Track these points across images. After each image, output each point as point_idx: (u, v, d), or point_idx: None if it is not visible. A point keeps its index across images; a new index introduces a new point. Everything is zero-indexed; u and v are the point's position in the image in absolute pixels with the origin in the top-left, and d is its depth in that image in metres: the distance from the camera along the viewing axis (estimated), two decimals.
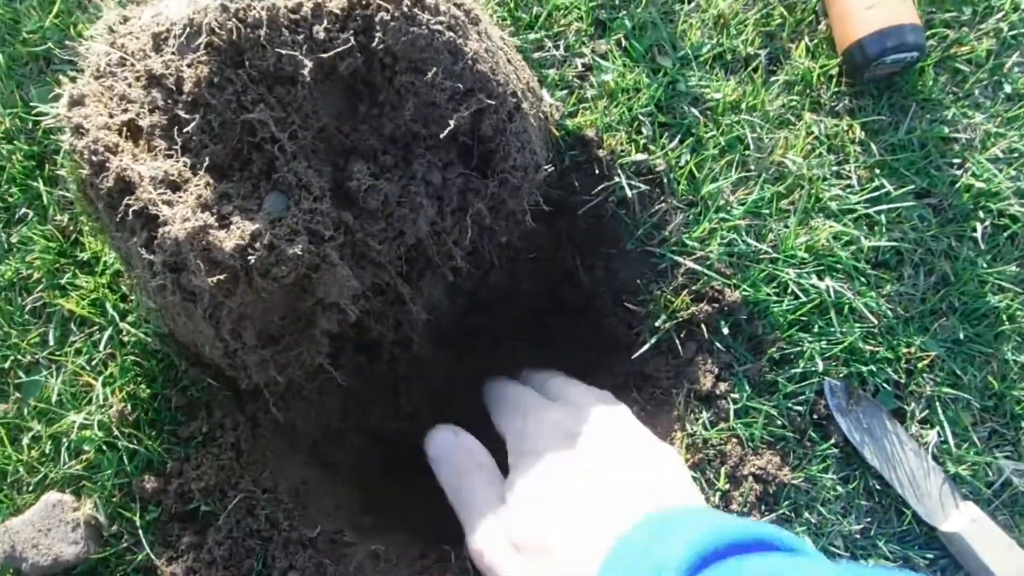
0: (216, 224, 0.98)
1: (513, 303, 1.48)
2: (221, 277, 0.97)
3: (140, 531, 1.19)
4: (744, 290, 1.31)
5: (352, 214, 1.10)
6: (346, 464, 1.40)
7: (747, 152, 1.36)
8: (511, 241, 1.37)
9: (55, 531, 1.19)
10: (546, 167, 1.23)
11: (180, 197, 1.00)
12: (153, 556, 1.18)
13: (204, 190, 1.01)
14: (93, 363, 1.22)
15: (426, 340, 1.40)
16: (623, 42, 1.40)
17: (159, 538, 1.20)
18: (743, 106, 1.40)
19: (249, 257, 0.97)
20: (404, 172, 1.14)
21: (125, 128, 1.03)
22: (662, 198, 1.34)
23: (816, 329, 1.33)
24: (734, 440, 1.29)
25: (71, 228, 1.26)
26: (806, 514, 1.29)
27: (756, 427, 1.28)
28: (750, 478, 1.28)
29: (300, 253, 0.99)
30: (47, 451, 1.22)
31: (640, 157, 1.33)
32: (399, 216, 1.12)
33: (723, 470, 1.26)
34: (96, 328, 1.24)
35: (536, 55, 1.38)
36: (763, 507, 1.28)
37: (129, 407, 1.21)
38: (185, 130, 1.00)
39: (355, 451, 1.43)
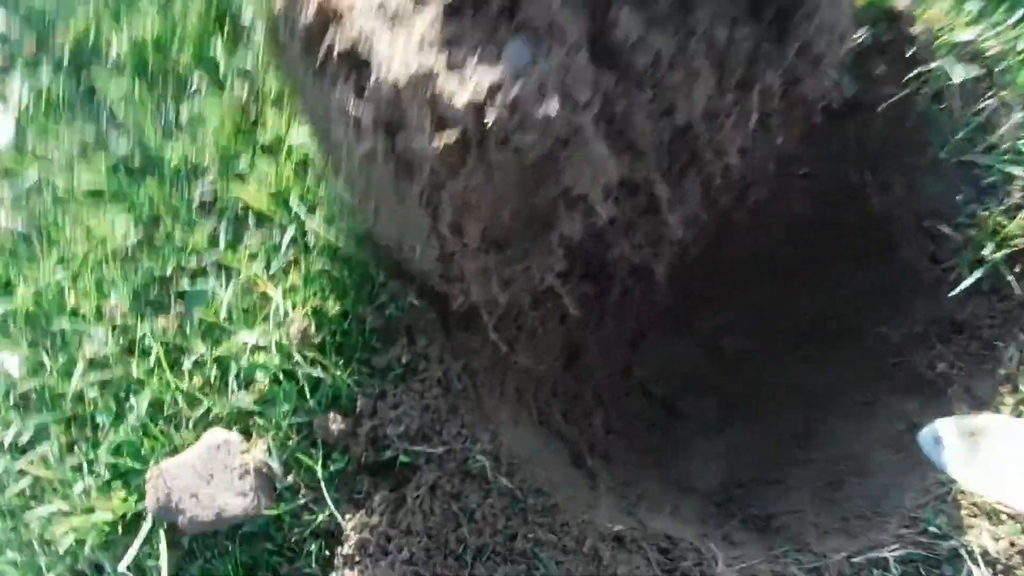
0: (446, 71, 0.72)
1: (775, 229, 1.18)
2: (450, 141, 0.73)
3: (322, 484, 0.92)
4: None
5: (613, 76, 0.83)
6: (563, 419, 1.12)
7: None
8: (787, 148, 1.08)
9: (219, 478, 0.94)
10: (855, 36, 0.93)
11: (400, 35, 0.75)
12: (338, 515, 0.92)
13: (430, 29, 0.76)
14: (271, 270, 0.97)
15: (666, 272, 1.11)
16: None
17: (344, 494, 0.94)
18: None
19: (486, 117, 0.72)
20: (681, 24, 0.86)
21: None
22: (991, 92, 1.03)
23: None
24: None
25: (250, 104, 1.02)
26: None
27: None
28: None
29: (552, 116, 0.73)
30: (212, 379, 0.97)
31: (967, 36, 1.02)
32: (670, 84, 0.86)
33: None
34: (277, 227, 0.99)
35: None
36: None
37: (313, 327, 0.95)
38: None
39: (576, 402, 1.15)
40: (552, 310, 1.05)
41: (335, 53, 0.78)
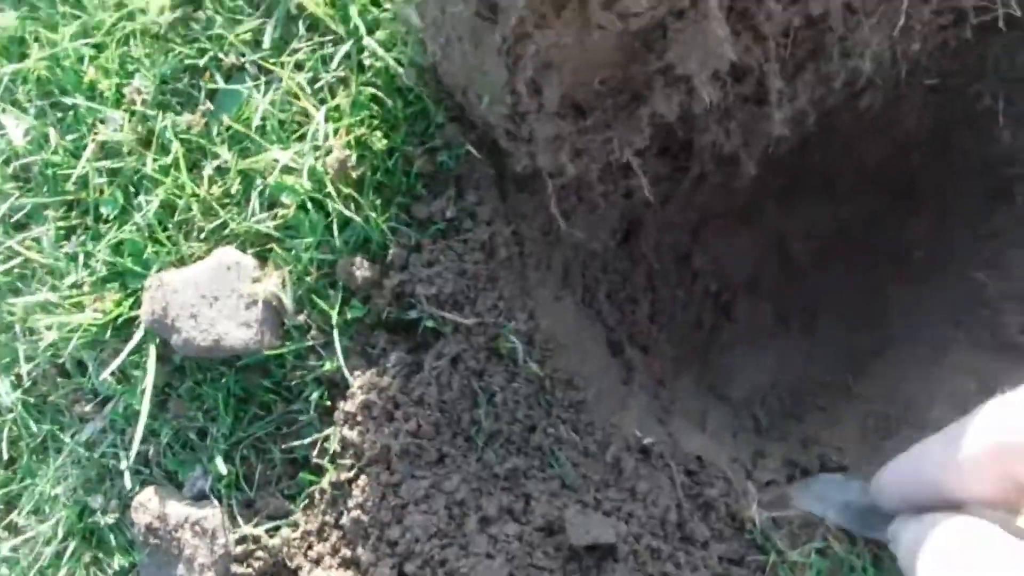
0: None
1: (879, 142, 1.05)
2: None
3: (335, 330, 0.84)
4: None
5: None
6: (607, 300, 1.02)
7: None
8: (921, 56, 0.94)
9: (224, 303, 0.85)
10: None
11: None
12: (345, 368, 0.83)
13: None
14: (317, 85, 0.85)
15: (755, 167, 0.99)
16: None
17: (357, 345, 0.85)
18: None
19: None
20: None
21: None
22: None
23: None
24: None
25: None
26: None
27: None
28: None
29: None
30: (233, 192, 0.87)
31: None
32: None
33: None
34: (330, 37, 0.86)
35: None
36: None
37: (354, 158, 0.84)
38: None
39: (620, 285, 1.05)
40: (620, 186, 0.94)
41: None
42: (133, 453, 0.85)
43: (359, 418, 0.83)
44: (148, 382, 0.84)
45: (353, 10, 0.85)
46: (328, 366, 0.84)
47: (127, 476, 0.87)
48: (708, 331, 1.14)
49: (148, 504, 0.87)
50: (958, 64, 0.97)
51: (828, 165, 1.09)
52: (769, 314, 1.16)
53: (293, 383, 0.86)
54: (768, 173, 1.06)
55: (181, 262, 0.87)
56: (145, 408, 0.83)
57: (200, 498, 0.89)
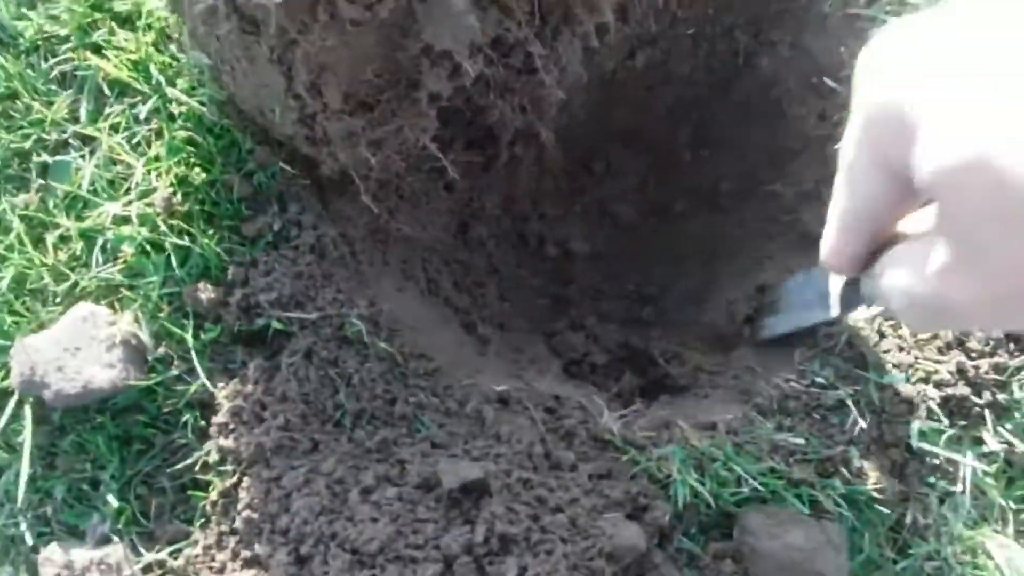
0: None
1: (664, 92, 1.16)
2: None
3: (193, 354, 0.90)
4: None
5: None
6: (454, 288, 1.10)
7: None
8: (671, 6, 1.06)
9: (86, 351, 0.91)
10: None
11: None
12: (209, 385, 0.90)
13: None
14: (134, 140, 0.94)
15: (555, 137, 1.09)
16: None
17: (218, 364, 0.92)
18: None
19: None
20: None
21: None
22: None
23: None
24: None
25: None
26: None
27: None
28: None
29: None
30: (79, 253, 0.95)
31: None
32: None
33: None
34: (138, 98, 0.95)
35: None
36: None
37: (179, 195, 0.93)
38: None
39: (464, 273, 1.13)
40: (434, 176, 1.03)
41: None
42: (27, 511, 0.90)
43: (231, 426, 0.90)
44: (26, 441, 0.89)
45: (154, 69, 0.95)
46: (195, 388, 0.91)
47: (28, 537, 0.92)
48: (553, 300, 1.22)
49: (53, 557, 0.91)
50: (707, 9, 1.09)
51: (628, 122, 1.19)
52: (606, 274, 1.25)
53: (167, 412, 0.92)
54: (574, 144, 1.17)
55: (41, 327, 0.93)
56: (25, 465, 0.89)
57: (103, 542, 0.93)
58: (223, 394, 0.90)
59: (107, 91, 0.96)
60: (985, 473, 0.92)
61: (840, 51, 1.02)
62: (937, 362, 0.94)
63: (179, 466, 0.92)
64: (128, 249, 0.93)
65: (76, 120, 0.97)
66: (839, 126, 1.03)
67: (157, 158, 0.93)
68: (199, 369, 0.90)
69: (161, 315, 0.92)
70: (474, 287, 1.13)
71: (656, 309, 1.19)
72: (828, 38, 1.04)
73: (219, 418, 0.90)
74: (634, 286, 1.21)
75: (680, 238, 1.20)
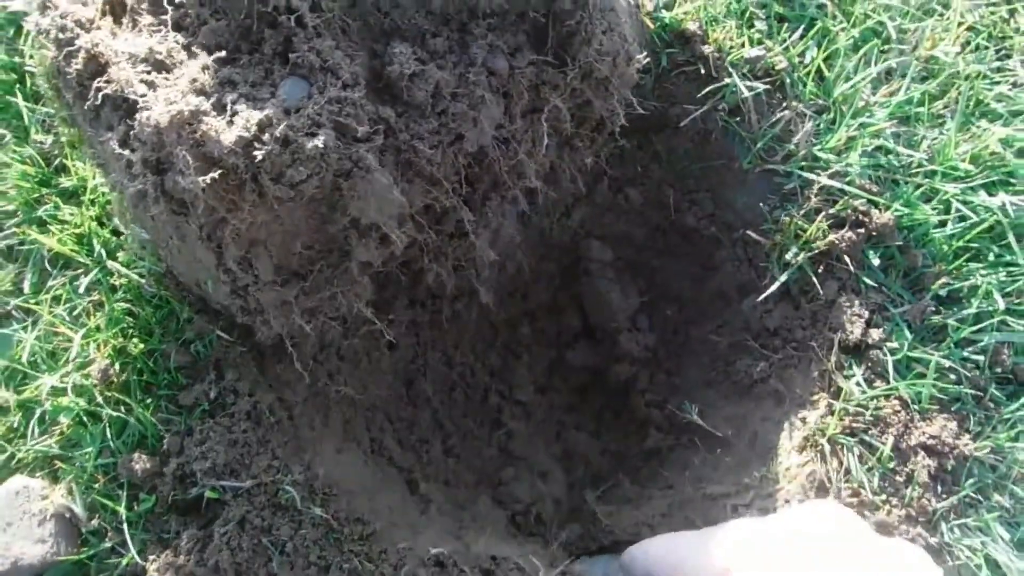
0: (212, 111, 0.75)
1: (608, 245, 1.20)
2: (216, 175, 0.73)
3: (125, 526, 0.91)
4: (896, 210, 1.02)
5: (395, 110, 0.85)
6: (398, 446, 1.11)
7: (887, 46, 1.09)
8: (598, 163, 1.10)
9: (17, 526, 0.91)
10: (640, 58, 0.97)
11: (167, 80, 0.77)
12: (139, 560, 0.90)
13: (201, 74, 0.78)
14: (75, 312, 0.96)
15: (494, 293, 1.12)
16: None
17: (153, 535, 0.92)
18: None
19: (256, 153, 0.73)
20: (460, 58, 0.90)
21: (105, 3, 0.82)
22: (784, 103, 1.07)
23: (991, 258, 1.03)
24: (896, 402, 0.97)
25: (54, 152, 1.02)
26: (996, 496, 0.97)
27: (924, 385, 0.96)
28: (920, 451, 0.96)
29: (322, 148, 0.74)
30: (16, 425, 0.95)
31: (755, 53, 1.06)
32: (456, 113, 0.88)
33: (885, 441, 0.95)
34: (80, 270, 0.98)
35: None
36: (939, 488, 0.96)
37: (116, 367, 0.94)
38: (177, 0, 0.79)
39: (408, 430, 1.14)
40: (376, 336, 1.05)
41: (104, 97, 0.78)
42: None
43: None
44: None
45: (96, 242, 0.98)
46: (126, 561, 0.90)
47: None
48: (497, 452, 1.23)
49: None
50: (632, 170, 1.14)
51: (568, 274, 1.23)
52: (552, 421, 1.26)
53: None
54: (516, 297, 1.20)
55: None
56: None
57: None
58: (154, 567, 0.90)
59: (49, 265, 0.99)
60: None
61: (760, 206, 1.06)
62: None
63: None
64: (65, 420, 0.94)
65: (20, 292, 0.99)
66: (766, 277, 1.07)
67: (97, 328, 0.96)
68: (128, 541, 0.90)
69: (96, 486, 0.92)
70: (419, 444, 1.14)
71: (596, 455, 1.20)
72: (748, 192, 1.09)
73: None
74: (579, 431, 1.23)
75: (629, 385, 1.22)
